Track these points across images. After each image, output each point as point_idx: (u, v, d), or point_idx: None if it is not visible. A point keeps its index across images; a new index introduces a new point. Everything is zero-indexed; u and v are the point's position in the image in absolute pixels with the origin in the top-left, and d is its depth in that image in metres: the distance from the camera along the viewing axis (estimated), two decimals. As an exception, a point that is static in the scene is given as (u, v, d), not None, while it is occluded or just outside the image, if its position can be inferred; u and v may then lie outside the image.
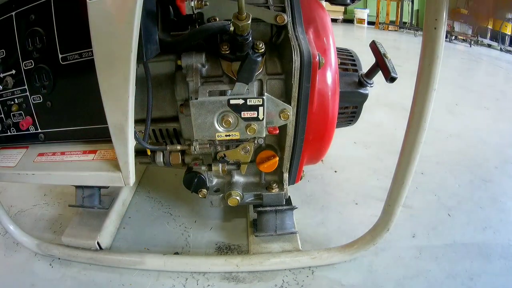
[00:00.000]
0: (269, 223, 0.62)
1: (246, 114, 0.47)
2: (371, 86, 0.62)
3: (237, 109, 0.46)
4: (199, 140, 0.51)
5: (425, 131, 0.45)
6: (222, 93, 0.48)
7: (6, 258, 0.65)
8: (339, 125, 0.69)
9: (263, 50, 0.47)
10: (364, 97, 0.63)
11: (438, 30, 0.39)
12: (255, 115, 0.47)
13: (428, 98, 0.42)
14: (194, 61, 0.48)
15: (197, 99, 0.46)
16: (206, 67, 0.50)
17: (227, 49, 0.48)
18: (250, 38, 0.46)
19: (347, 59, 0.66)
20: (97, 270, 0.62)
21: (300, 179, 0.61)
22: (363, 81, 0.62)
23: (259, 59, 0.46)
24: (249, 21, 0.43)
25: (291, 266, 0.61)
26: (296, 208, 0.63)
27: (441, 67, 0.41)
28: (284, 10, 0.52)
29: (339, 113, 0.58)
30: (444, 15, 0.38)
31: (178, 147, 0.53)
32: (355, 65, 0.65)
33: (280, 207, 0.61)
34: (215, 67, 0.50)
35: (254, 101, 0.46)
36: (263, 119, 0.47)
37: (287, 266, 0.61)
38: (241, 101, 0.46)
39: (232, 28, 0.46)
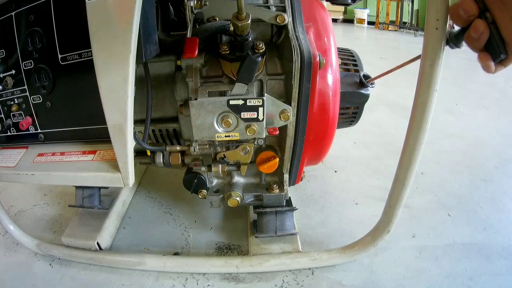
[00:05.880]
0: (269, 224, 0.62)
1: (245, 114, 0.47)
2: (372, 87, 0.62)
3: (236, 109, 0.46)
4: (199, 141, 0.51)
5: (426, 133, 0.45)
6: (222, 93, 0.47)
7: (6, 258, 0.65)
8: (340, 125, 0.69)
9: (263, 50, 0.46)
10: (365, 97, 0.63)
11: (439, 31, 0.38)
12: (255, 116, 0.47)
13: (429, 99, 0.42)
14: (193, 61, 0.48)
15: (196, 99, 0.46)
16: (206, 67, 0.49)
17: (227, 49, 0.47)
18: (250, 38, 0.45)
19: (348, 59, 0.66)
20: (97, 270, 0.62)
21: (301, 180, 0.61)
22: (364, 81, 0.61)
23: (259, 59, 0.46)
24: (249, 21, 0.42)
25: (291, 268, 0.61)
26: (296, 209, 0.63)
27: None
28: (284, 10, 0.51)
29: (340, 114, 0.58)
30: (446, 15, 0.38)
31: (178, 148, 0.53)
32: (356, 65, 0.65)
33: (280, 208, 0.61)
34: (215, 67, 0.50)
35: (254, 102, 0.46)
36: (263, 119, 0.47)
37: (287, 267, 0.61)
38: (240, 102, 0.46)
39: (231, 28, 0.46)
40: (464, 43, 0.39)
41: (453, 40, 0.39)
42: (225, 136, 0.48)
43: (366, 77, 0.62)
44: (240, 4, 0.40)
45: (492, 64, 0.36)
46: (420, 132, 0.45)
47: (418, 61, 0.43)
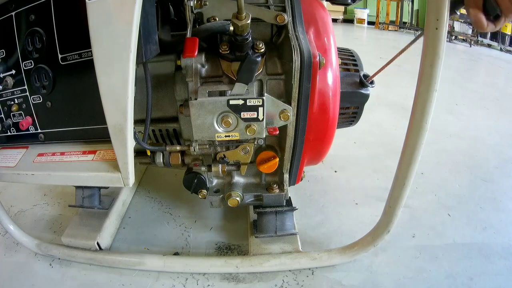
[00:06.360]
0: (269, 224, 0.62)
1: (245, 114, 0.46)
2: (372, 87, 0.62)
3: (236, 109, 0.46)
4: (199, 141, 0.51)
5: (426, 132, 0.45)
6: (222, 93, 0.47)
7: (6, 258, 0.65)
8: (340, 125, 0.68)
9: (263, 50, 0.47)
10: (365, 97, 0.63)
11: (439, 30, 0.38)
12: (255, 116, 0.47)
13: (429, 99, 0.42)
14: (193, 61, 0.48)
15: (196, 99, 0.46)
16: (206, 67, 0.49)
17: (227, 49, 0.47)
18: (250, 38, 0.45)
19: (348, 59, 0.66)
20: (97, 270, 0.62)
21: (301, 180, 0.61)
22: (364, 81, 0.61)
23: (259, 59, 0.46)
24: (249, 21, 0.42)
25: (291, 268, 0.61)
26: (296, 209, 0.63)
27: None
28: (284, 10, 0.51)
29: (340, 114, 0.58)
30: (446, 15, 0.38)
31: (178, 148, 0.53)
32: (356, 65, 0.65)
33: (280, 208, 0.61)
34: (215, 67, 0.50)
35: (254, 102, 0.46)
36: (263, 119, 0.47)
37: (287, 267, 0.61)
38: (240, 102, 0.46)
39: (231, 28, 0.46)
40: (458, 13, 0.42)
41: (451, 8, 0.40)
42: (225, 136, 0.48)
43: (366, 76, 0.62)
44: (240, 4, 0.40)
45: (482, 17, 0.39)
46: (420, 132, 0.45)
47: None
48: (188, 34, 0.47)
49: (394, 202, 0.53)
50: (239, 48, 0.46)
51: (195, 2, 0.48)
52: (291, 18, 0.50)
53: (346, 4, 0.71)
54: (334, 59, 0.53)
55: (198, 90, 0.47)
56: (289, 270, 0.61)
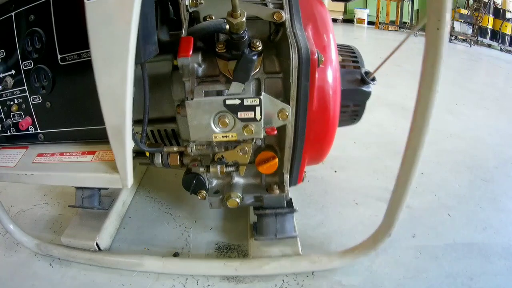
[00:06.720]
0: (269, 227, 0.61)
1: (242, 114, 0.46)
2: (374, 83, 0.61)
3: (233, 109, 0.46)
4: (196, 141, 0.50)
5: (427, 134, 0.44)
6: (219, 93, 0.47)
7: (6, 258, 0.65)
8: (342, 124, 0.67)
9: (260, 48, 0.46)
10: (367, 95, 0.61)
11: (440, 31, 0.38)
12: (252, 116, 0.46)
13: (431, 100, 0.41)
14: (190, 61, 0.47)
15: (193, 99, 0.46)
16: (203, 66, 0.49)
17: (223, 48, 0.47)
18: (246, 36, 0.45)
19: (348, 56, 0.64)
20: (97, 270, 0.62)
21: (302, 180, 0.60)
22: (365, 78, 0.60)
23: (255, 57, 0.45)
24: (244, 19, 0.42)
25: (290, 271, 0.60)
26: (297, 211, 0.62)
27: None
28: (282, 7, 0.51)
29: (341, 112, 0.56)
30: (447, 15, 0.38)
31: (175, 149, 0.53)
32: (357, 62, 0.64)
33: (280, 210, 0.60)
34: (212, 66, 0.49)
35: (251, 101, 0.45)
36: (260, 119, 0.46)
37: (287, 270, 0.60)
38: (237, 101, 0.45)
39: (227, 27, 0.45)
40: None
41: None
42: (222, 137, 0.48)
43: (367, 73, 0.61)
44: (234, 2, 0.40)
45: None
46: (421, 133, 0.44)
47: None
48: (183, 33, 0.47)
49: (395, 205, 0.52)
50: (236, 46, 0.46)
51: (190, 0, 0.47)
52: (288, 15, 0.49)
53: (346, 1, 0.70)
54: (334, 56, 0.52)
55: (195, 90, 0.47)
56: (289, 271, 0.61)
